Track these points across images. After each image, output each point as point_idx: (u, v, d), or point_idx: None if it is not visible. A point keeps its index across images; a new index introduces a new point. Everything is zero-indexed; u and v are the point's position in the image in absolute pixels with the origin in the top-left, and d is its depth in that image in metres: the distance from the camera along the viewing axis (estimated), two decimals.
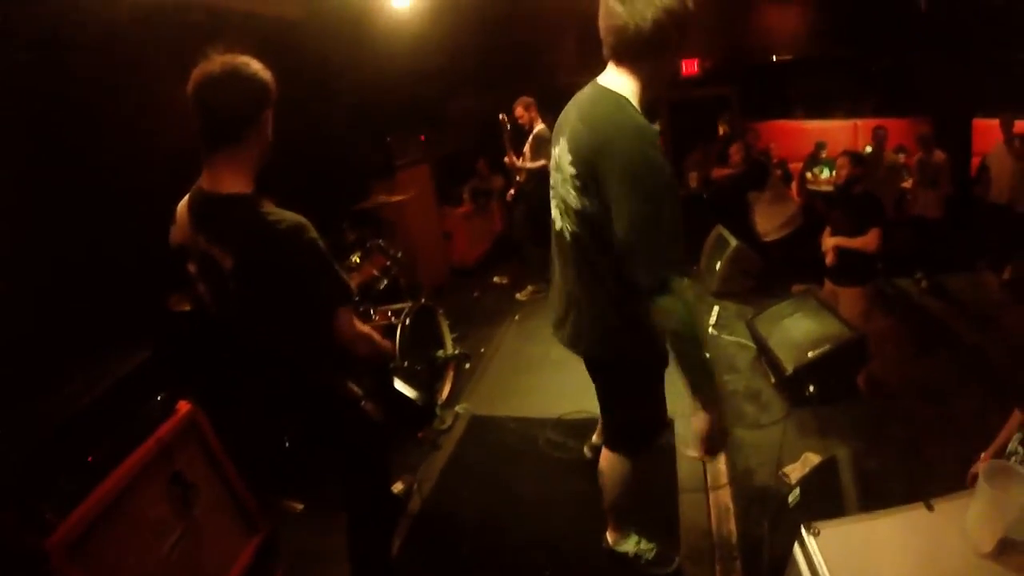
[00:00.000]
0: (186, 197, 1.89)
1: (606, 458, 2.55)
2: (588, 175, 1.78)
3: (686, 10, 1.69)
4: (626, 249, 1.73)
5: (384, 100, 6.06)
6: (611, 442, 2.52)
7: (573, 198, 1.88)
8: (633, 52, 1.75)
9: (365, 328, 2.00)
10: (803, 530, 1.38)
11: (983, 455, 2.53)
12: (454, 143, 7.86)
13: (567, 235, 2.02)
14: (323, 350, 2.00)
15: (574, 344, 2.21)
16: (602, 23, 1.79)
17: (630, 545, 2.76)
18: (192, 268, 1.91)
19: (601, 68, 1.90)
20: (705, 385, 1.91)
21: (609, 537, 2.80)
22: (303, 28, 4.71)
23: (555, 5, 7.61)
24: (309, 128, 4.42)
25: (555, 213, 2.11)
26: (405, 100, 6.54)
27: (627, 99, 1.77)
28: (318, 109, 4.91)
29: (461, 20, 6.59)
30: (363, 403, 2.16)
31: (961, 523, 1.39)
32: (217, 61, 1.71)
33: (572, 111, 1.95)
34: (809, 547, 1.34)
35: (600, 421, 2.91)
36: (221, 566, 2.70)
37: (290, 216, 1.76)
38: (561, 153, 1.94)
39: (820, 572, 1.28)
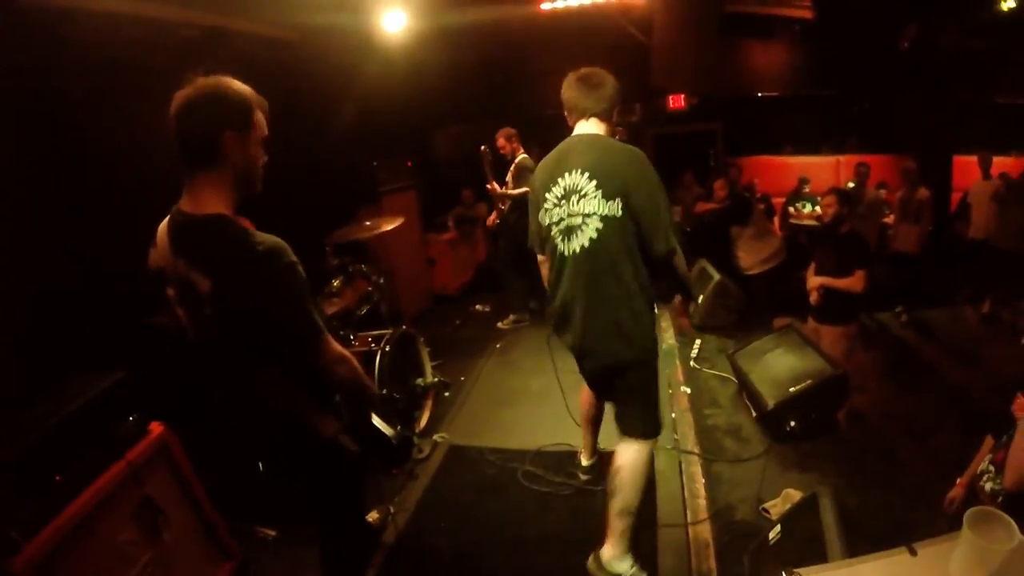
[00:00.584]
0: (166, 219, 1.86)
1: (625, 451, 2.73)
2: (618, 190, 2.41)
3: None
4: (652, 229, 2.42)
5: (373, 124, 6.10)
6: (632, 430, 2.75)
7: (599, 208, 2.43)
8: (606, 113, 2.65)
9: (344, 351, 1.93)
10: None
11: (959, 480, 2.57)
12: (440, 170, 7.91)
13: (578, 251, 2.51)
14: (299, 380, 1.95)
15: (596, 355, 2.66)
16: (582, 100, 2.62)
17: (625, 567, 2.70)
18: (171, 292, 1.87)
19: None
20: (686, 290, 3.12)
21: (604, 554, 2.73)
22: (297, 50, 4.74)
23: (540, 42, 7.74)
24: (298, 149, 4.43)
25: (557, 240, 2.58)
26: (393, 125, 6.59)
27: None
28: (308, 130, 4.92)
29: (451, 50, 6.68)
30: (339, 436, 2.10)
31: (944, 569, 1.37)
32: (197, 83, 1.70)
33: (578, 151, 2.56)
34: None
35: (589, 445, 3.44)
36: None
37: (269, 239, 1.72)
38: (574, 181, 2.49)
39: None
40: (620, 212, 2.40)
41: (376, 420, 2.28)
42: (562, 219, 2.53)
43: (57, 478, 2.16)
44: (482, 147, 5.58)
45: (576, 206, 2.46)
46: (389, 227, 4.55)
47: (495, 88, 8.11)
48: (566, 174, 2.50)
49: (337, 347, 1.89)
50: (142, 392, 2.60)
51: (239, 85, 1.77)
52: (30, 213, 2.77)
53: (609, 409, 2.99)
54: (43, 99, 2.84)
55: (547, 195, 2.58)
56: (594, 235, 2.44)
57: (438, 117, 7.95)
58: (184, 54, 3.38)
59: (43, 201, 2.84)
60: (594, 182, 2.42)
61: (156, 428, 2.62)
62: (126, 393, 2.53)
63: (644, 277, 2.52)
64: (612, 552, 2.72)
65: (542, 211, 2.62)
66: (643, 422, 2.74)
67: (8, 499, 2.02)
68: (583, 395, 3.33)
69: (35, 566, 1.95)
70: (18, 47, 2.65)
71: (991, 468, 2.38)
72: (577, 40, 7.85)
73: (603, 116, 2.63)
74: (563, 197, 2.52)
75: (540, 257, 2.85)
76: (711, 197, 6.85)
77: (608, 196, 2.40)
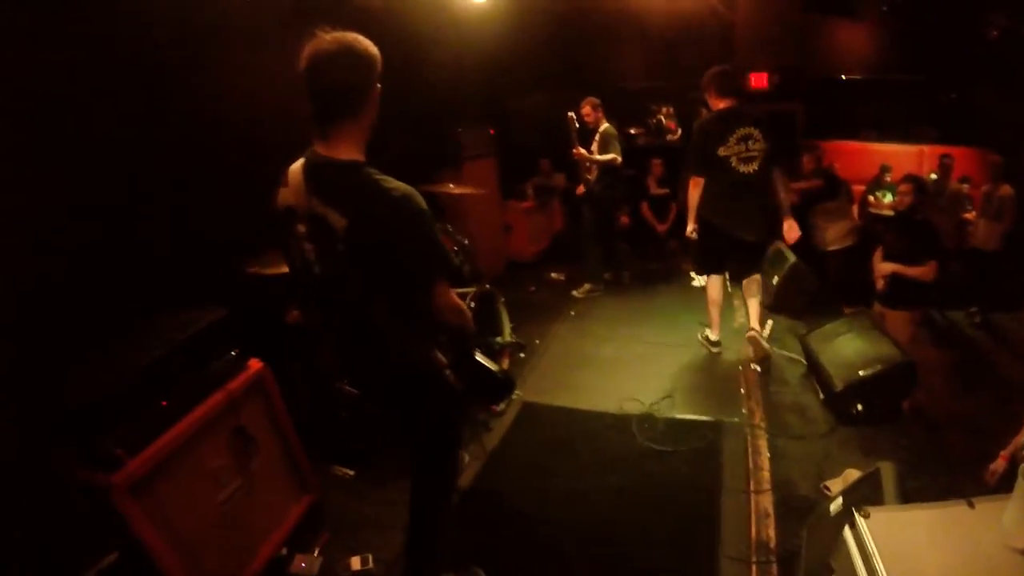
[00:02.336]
0: (299, 161, 1.99)
1: (751, 281, 4.84)
2: (768, 136, 4.28)
3: None
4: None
5: (456, 91, 6.24)
6: (755, 270, 4.88)
7: (764, 147, 4.27)
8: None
9: (458, 300, 2.07)
10: (855, 512, 1.52)
11: (1001, 453, 2.61)
12: (520, 139, 8.00)
13: (752, 172, 4.31)
14: (416, 316, 2.06)
15: (752, 230, 4.50)
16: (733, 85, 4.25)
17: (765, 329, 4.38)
18: (302, 229, 1.99)
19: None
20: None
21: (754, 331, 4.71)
22: (384, 16, 4.85)
23: (623, 17, 7.71)
24: (385, 113, 4.61)
25: (737, 166, 4.31)
26: (475, 93, 6.70)
27: None
28: (395, 95, 5.08)
29: (534, 19, 6.73)
30: (447, 371, 2.22)
31: (998, 520, 1.50)
32: (328, 38, 1.80)
33: (742, 113, 4.34)
34: (860, 526, 1.48)
35: None
36: (271, 521, 2.82)
37: (402, 186, 1.87)
38: (748, 131, 4.26)
39: (869, 550, 1.42)
40: (769, 149, 4.27)
41: (480, 356, 2.44)
42: (742, 152, 4.25)
43: (163, 403, 2.30)
44: (569, 113, 5.68)
45: (753, 145, 4.25)
46: (470, 190, 4.71)
47: (573, 59, 8.11)
48: (740, 128, 4.23)
49: (454, 296, 2.04)
50: (244, 330, 2.75)
51: (367, 40, 1.89)
52: (137, 157, 2.88)
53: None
54: (148, 55, 2.94)
55: (729, 137, 4.23)
56: (761, 162, 4.27)
57: (517, 86, 8.01)
58: (272, 20, 3.46)
59: (148, 147, 2.94)
60: (759, 130, 4.24)
61: (255, 364, 2.75)
62: (229, 329, 2.66)
63: None
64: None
65: (724, 146, 4.25)
66: (759, 267, 4.81)
67: (117, 419, 2.14)
68: (713, 285, 4.88)
69: (135, 482, 2.08)
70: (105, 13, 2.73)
71: None
72: (659, 12, 7.80)
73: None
74: (742, 139, 4.24)
75: (695, 179, 4.48)
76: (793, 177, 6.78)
77: (767, 139, 4.25)
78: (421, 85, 5.57)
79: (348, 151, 1.91)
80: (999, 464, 2.63)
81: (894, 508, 1.59)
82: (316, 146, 1.94)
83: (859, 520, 1.49)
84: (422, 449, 2.47)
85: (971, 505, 1.59)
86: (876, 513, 1.52)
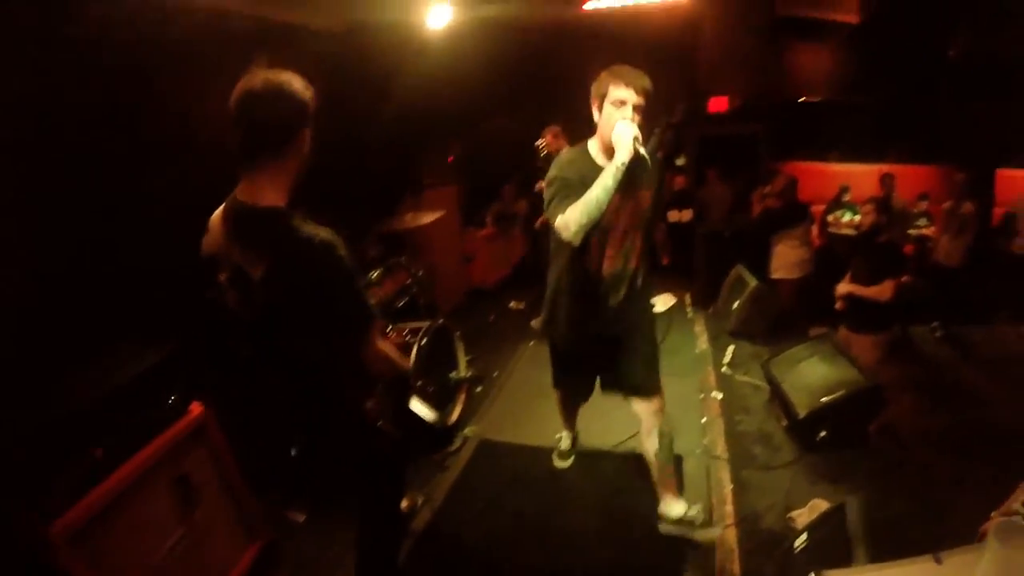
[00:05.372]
0: (221, 207, 1.93)
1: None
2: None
3: None
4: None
5: (416, 119, 6.14)
6: None
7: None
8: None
9: (385, 348, 2.02)
10: None
11: (994, 514, 2.51)
12: (481, 166, 7.95)
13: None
14: (343, 366, 2.03)
15: None
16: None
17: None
18: (223, 277, 1.94)
19: None
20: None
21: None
22: (343, 42, 4.80)
23: (582, 41, 7.73)
24: (343, 141, 4.51)
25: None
26: (436, 120, 6.64)
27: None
28: (354, 122, 5.00)
29: (493, 47, 6.70)
30: (380, 421, 2.19)
31: None
32: (260, 76, 1.75)
33: None
34: None
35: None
36: (220, 570, 2.74)
37: (323, 233, 1.80)
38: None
39: None
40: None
41: (417, 405, 2.36)
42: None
43: (98, 451, 2.23)
44: (538, 142, 5.60)
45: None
46: (429, 220, 4.63)
47: (536, 86, 8.12)
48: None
49: (382, 346, 1.98)
50: (185, 371, 2.68)
51: (301, 82, 1.83)
52: (83, 193, 2.84)
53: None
54: (95, 87, 2.89)
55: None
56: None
57: (479, 114, 7.99)
58: (233, 45, 3.45)
59: (95, 182, 2.90)
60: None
61: (196, 408, 2.68)
62: (169, 371, 2.60)
63: None
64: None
65: None
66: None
67: (50, 469, 2.09)
68: None
69: (71, 534, 2.02)
70: (65, 38, 2.69)
71: (1022, 509, 2.32)
72: (621, 39, 7.85)
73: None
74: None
75: None
76: (743, 203, 6.76)
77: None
78: (380, 114, 5.49)
79: (270, 196, 1.83)
80: (991, 526, 2.50)
81: (853, 572, 1.45)
82: (238, 190, 1.87)
83: None
84: (362, 497, 2.44)
85: (938, 561, 1.47)
86: None
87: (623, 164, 2.37)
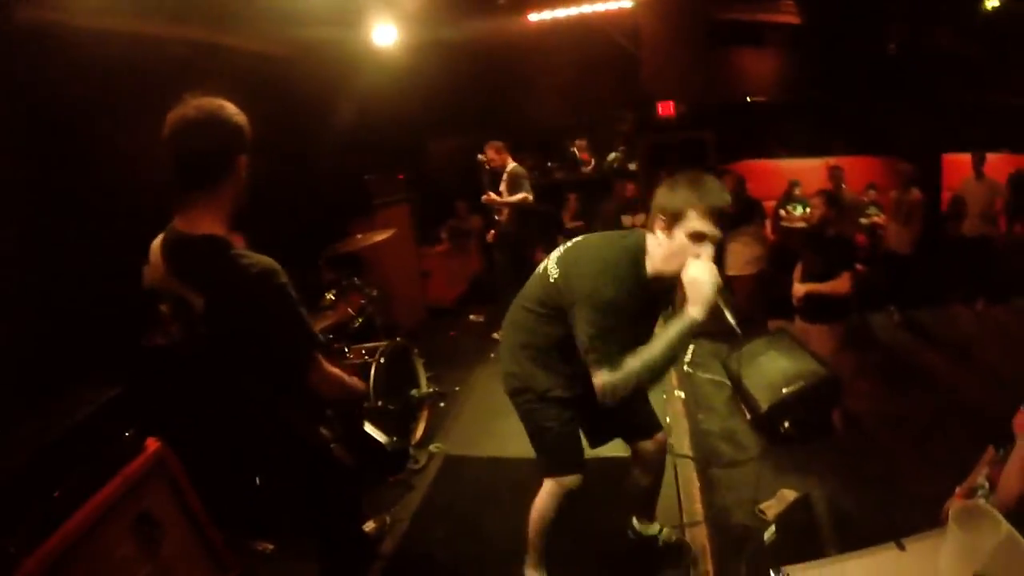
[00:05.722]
0: (159, 237, 1.88)
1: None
2: None
3: None
4: None
5: (366, 138, 6.11)
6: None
7: None
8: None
9: (334, 371, 1.98)
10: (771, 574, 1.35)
11: (957, 491, 2.51)
12: (433, 183, 7.93)
13: None
14: (291, 394, 1.98)
15: None
16: None
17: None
18: (165, 309, 1.90)
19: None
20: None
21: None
22: (286, 65, 4.75)
23: (530, 54, 7.80)
24: (289, 165, 4.45)
25: None
26: (385, 139, 6.60)
27: None
28: (299, 146, 4.94)
29: (441, 63, 6.71)
30: (332, 447, 2.13)
31: (933, 563, 1.37)
32: (191, 105, 1.72)
33: None
34: None
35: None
36: None
37: (262, 260, 1.76)
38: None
39: None
40: None
41: (370, 428, 2.30)
42: None
43: (55, 494, 2.15)
44: (479, 156, 5.69)
45: None
46: (381, 238, 4.57)
47: (487, 100, 8.15)
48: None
49: (330, 369, 1.95)
50: (138, 408, 2.61)
51: (234, 108, 1.80)
52: (25, 230, 2.78)
53: None
54: (34, 118, 2.84)
55: None
56: None
57: (430, 130, 7.99)
58: (176, 72, 3.39)
59: (36, 219, 2.84)
60: None
61: (152, 444, 2.61)
62: (122, 409, 2.53)
63: None
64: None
65: None
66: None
67: (6, 514, 2.01)
68: None
69: None
70: (8, 66, 2.66)
71: (986, 484, 2.27)
72: (566, 50, 7.92)
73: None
74: None
75: None
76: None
77: None
78: (328, 135, 5.42)
79: (207, 224, 1.79)
80: (955, 503, 2.50)
81: (816, 564, 1.42)
82: (176, 219, 1.83)
83: None
84: (316, 526, 2.38)
85: (901, 547, 1.45)
86: (797, 573, 1.35)
87: (696, 322, 1.97)
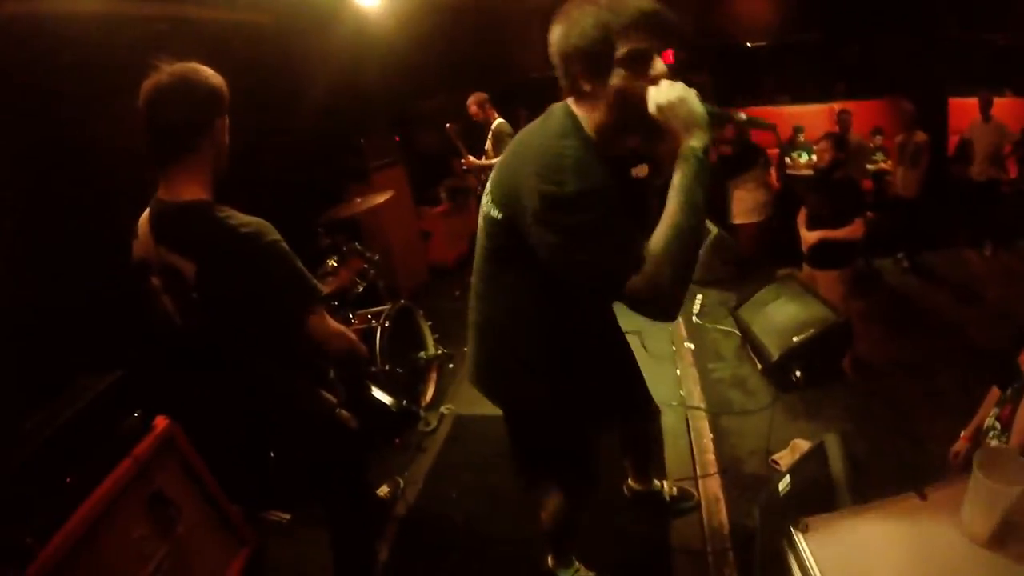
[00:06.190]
0: (146, 210, 1.84)
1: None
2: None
3: None
4: None
5: (355, 102, 5.98)
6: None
7: None
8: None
9: (338, 326, 1.94)
10: (792, 528, 1.32)
11: (963, 433, 2.50)
12: (428, 143, 7.79)
13: None
14: (293, 358, 1.95)
15: None
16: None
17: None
18: (156, 281, 1.86)
19: None
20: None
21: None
22: (270, 33, 4.61)
23: (520, 5, 7.58)
24: (280, 134, 4.36)
25: None
26: (377, 101, 6.46)
27: None
28: (289, 114, 4.83)
29: (429, 19, 6.52)
30: (337, 411, 2.11)
31: (955, 511, 1.33)
32: (165, 71, 1.68)
33: None
34: (799, 545, 1.28)
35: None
36: None
37: (250, 220, 1.72)
38: None
39: (811, 571, 1.22)
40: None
41: (375, 391, 2.26)
42: None
43: (67, 480, 2.14)
44: (447, 125, 5.52)
45: None
46: (379, 201, 4.49)
47: (479, 54, 7.96)
48: None
49: (331, 322, 1.90)
50: (143, 388, 2.58)
51: (209, 71, 1.75)
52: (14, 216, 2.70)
53: None
54: (11, 99, 2.75)
55: None
56: None
57: (421, 89, 7.81)
58: (157, 47, 3.28)
59: (23, 204, 2.76)
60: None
61: (160, 422, 2.58)
62: (127, 391, 2.50)
63: None
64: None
65: None
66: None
67: (21, 505, 2.00)
68: None
69: (51, 570, 1.94)
70: None
71: (997, 425, 2.25)
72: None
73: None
74: None
75: None
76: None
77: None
78: (317, 99, 5.29)
79: (191, 191, 1.74)
80: (961, 445, 2.49)
81: (836, 516, 1.38)
82: (159, 191, 1.78)
83: (797, 537, 1.29)
84: (327, 491, 2.38)
85: (923, 497, 1.41)
86: (816, 524, 1.32)
87: (699, 152, 1.49)
